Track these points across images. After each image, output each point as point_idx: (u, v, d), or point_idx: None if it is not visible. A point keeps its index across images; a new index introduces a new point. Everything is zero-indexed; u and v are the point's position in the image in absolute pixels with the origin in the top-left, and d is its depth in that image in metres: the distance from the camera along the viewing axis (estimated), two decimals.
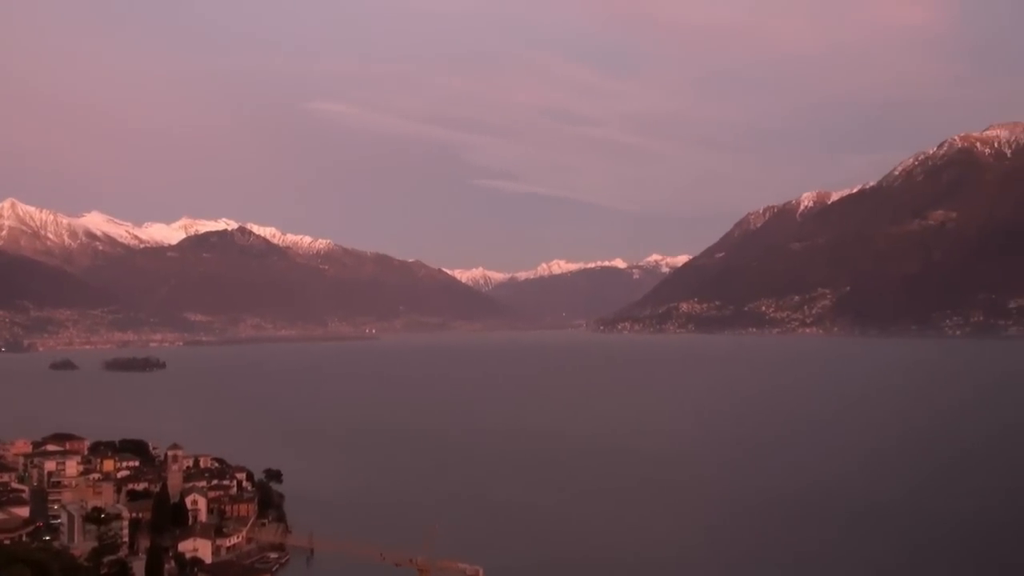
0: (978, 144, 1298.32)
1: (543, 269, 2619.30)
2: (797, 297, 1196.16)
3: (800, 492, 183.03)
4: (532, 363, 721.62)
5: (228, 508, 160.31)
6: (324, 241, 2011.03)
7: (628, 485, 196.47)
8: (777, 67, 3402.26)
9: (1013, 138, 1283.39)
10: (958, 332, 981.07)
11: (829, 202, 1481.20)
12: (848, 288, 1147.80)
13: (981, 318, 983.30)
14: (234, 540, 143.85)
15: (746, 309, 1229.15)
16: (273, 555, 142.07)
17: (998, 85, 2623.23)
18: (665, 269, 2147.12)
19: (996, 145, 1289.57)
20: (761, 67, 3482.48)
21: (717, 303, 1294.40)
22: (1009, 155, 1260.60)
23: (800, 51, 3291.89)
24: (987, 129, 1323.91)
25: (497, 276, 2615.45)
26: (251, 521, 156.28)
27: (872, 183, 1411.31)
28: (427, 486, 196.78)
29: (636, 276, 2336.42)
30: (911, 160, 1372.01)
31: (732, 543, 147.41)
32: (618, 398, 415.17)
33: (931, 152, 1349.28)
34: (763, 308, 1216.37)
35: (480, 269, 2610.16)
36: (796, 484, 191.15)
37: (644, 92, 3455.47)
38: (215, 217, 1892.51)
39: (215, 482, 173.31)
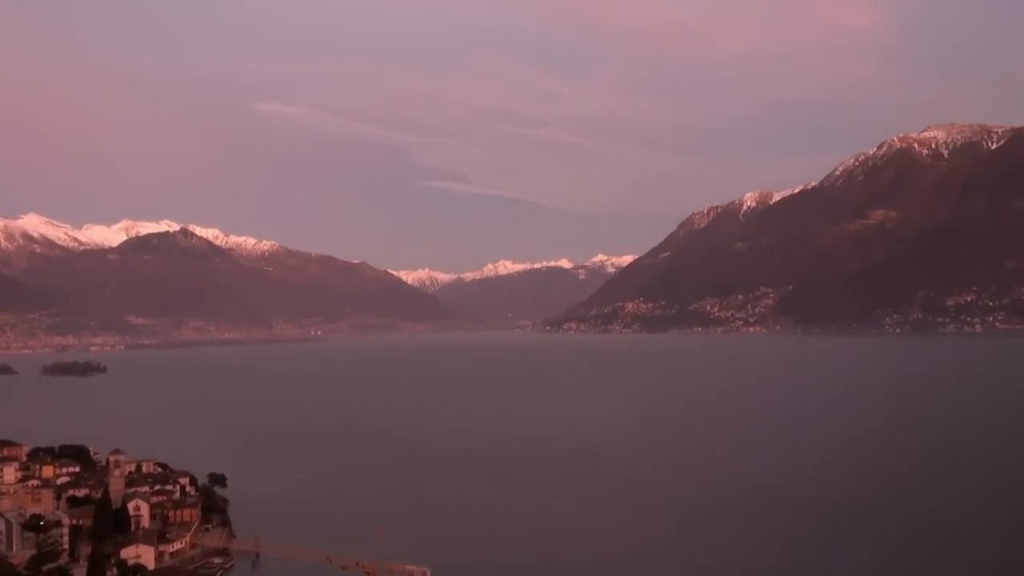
0: (916, 145, 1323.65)
1: (489, 270, 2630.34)
2: (741, 296, 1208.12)
3: (757, 491, 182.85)
4: (478, 364, 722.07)
5: (171, 513, 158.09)
6: (268, 242, 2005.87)
7: (577, 484, 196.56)
8: (720, 69, 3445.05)
9: (950, 139, 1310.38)
10: (898, 330, 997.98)
11: (772, 202, 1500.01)
12: (791, 287, 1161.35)
13: (920, 316, 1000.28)
14: (177, 546, 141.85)
15: (691, 308, 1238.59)
16: (217, 560, 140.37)
17: (936, 87, 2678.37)
18: (611, 269, 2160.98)
19: (933, 146, 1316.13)
20: (704, 69, 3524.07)
21: (662, 303, 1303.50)
22: (946, 156, 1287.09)
23: (742, 53, 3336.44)
24: (925, 130, 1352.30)
25: (443, 277, 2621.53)
26: (195, 526, 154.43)
27: (814, 183, 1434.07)
28: (374, 487, 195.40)
29: (582, 276, 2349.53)
30: (852, 161, 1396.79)
31: (689, 541, 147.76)
32: (566, 398, 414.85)
33: (871, 153, 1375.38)
34: (707, 307, 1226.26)
35: (426, 270, 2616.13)
36: (753, 483, 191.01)
37: (590, 94, 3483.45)
38: (156, 219, 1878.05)
39: (158, 487, 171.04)
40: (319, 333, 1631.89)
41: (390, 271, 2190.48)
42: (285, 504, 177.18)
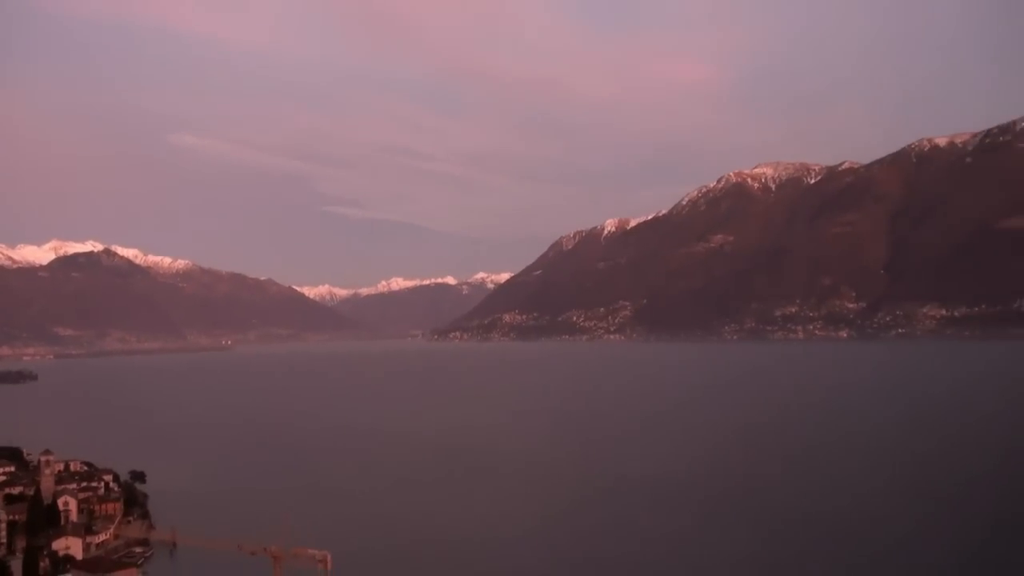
0: (749, 179, 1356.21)
1: (383, 286, 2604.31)
2: (602, 308, 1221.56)
3: (628, 483, 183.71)
4: (372, 369, 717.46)
5: (97, 508, 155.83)
6: (184, 261, 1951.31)
7: (460, 476, 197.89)
8: (584, 114, 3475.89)
9: (776, 174, 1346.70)
10: (734, 337, 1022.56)
11: (629, 227, 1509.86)
12: (645, 300, 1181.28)
13: (753, 325, 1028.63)
14: (103, 537, 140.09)
15: (560, 319, 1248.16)
16: (139, 550, 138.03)
17: (764, 130, 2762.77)
18: (490, 285, 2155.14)
19: (763, 180, 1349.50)
20: (570, 114, 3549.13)
21: (535, 314, 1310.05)
22: (774, 189, 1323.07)
23: (602, 101, 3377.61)
24: (756, 167, 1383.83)
25: (341, 292, 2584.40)
26: (118, 519, 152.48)
27: (664, 211, 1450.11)
28: (280, 481, 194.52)
29: (465, 291, 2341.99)
30: (695, 192, 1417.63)
31: (566, 527, 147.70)
32: (451, 397, 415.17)
33: (711, 186, 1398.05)
34: (574, 318, 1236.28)
35: (326, 286, 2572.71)
36: (622, 476, 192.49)
37: (474, 132, 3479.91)
38: (83, 239, 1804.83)
39: (84, 484, 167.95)
40: (229, 343, 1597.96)
41: (294, 287, 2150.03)
42: (199, 497, 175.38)
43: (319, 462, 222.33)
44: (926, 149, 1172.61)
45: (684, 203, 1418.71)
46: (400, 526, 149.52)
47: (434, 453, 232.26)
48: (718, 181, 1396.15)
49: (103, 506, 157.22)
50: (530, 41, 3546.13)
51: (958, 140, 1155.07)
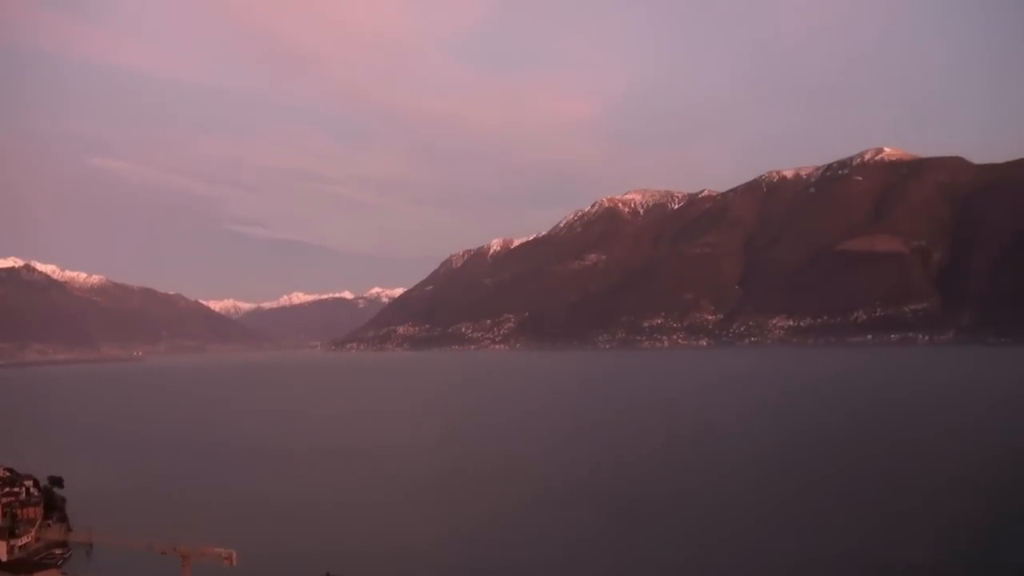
0: (620, 204, 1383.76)
1: (284, 300, 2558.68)
2: (489, 320, 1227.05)
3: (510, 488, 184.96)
4: (275, 379, 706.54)
5: (19, 512, 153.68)
6: (98, 277, 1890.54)
7: (368, 478, 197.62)
8: (474, 144, 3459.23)
9: (644, 200, 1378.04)
10: (608, 345, 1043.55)
11: (512, 247, 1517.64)
12: (527, 313, 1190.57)
13: (624, 335, 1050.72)
14: (24, 540, 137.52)
15: (450, 331, 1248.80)
16: (58, 551, 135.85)
17: (634, 161, 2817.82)
18: (385, 299, 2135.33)
19: (633, 205, 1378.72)
20: (462, 143, 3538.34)
21: (427, 326, 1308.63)
22: (642, 213, 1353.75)
23: (492, 131, 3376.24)
24: (626, 193, 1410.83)
25: (245, 306, 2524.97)
26: (38, 522, 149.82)
27: (544, 232, 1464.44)
28: (190, 484, 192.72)
29: (361, 305, 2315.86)
30: (572, 215, 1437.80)
31: (477, 533, 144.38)
32: (356, 406, 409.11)
33: (587, 210, 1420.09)
34: (463, 329, 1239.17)
35: (231, 300, 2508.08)
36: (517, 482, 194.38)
37: (373, 159, 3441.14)
38: (5, 255, 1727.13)
39: (7, 489, 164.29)
40: (140, 354, 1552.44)
41: (200, 301, 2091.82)
42: (114, 500, 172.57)
43: (228, 467, 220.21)
44: (775, 180, 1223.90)
45: (562, 225, 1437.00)
46: (303, 526, 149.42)
47: (339, 458, 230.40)
48: (592, 206, 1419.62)
49: (24, 510, 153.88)
50: (426, 77, 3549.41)
51: (803, 172, 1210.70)
